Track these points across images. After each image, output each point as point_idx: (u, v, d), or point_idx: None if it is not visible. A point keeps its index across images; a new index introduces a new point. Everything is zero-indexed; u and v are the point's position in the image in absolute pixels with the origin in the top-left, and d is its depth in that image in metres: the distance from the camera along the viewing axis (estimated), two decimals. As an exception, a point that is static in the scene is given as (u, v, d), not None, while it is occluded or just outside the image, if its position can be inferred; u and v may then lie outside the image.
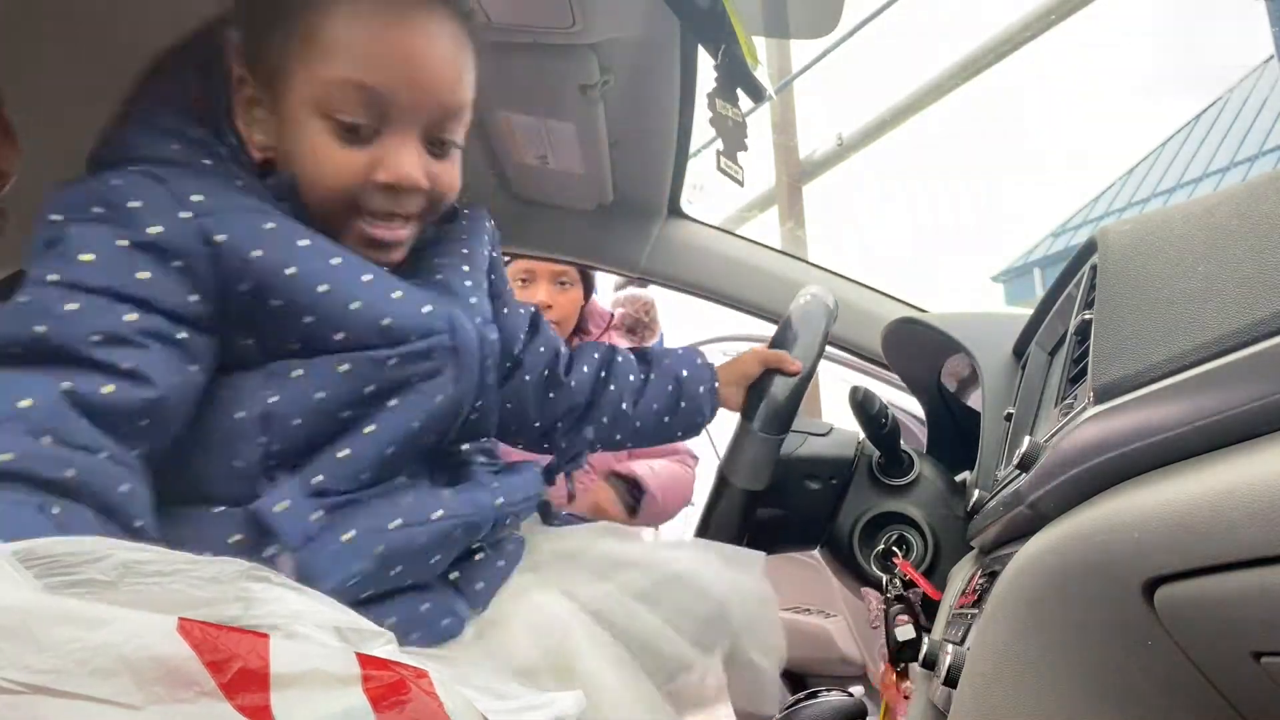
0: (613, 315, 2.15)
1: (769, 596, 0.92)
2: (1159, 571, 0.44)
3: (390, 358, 0.76)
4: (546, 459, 1.03)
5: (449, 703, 0.42)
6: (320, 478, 0.72)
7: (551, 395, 1.03)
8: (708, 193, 1.77)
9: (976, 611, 0.71)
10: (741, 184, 1.10)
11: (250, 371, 0.73)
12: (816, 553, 1.18)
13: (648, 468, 1.97)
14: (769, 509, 1.11)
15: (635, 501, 1.94)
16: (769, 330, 1.21)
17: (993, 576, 0.70)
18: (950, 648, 0.68)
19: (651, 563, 0.87)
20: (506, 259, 1.73)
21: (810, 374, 1.05)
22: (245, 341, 0.74)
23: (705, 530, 1.05)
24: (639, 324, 2.57)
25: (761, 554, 0.94)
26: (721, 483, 1.05)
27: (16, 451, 0.56)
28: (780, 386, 1.03)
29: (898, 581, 1.02)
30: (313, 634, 0.46)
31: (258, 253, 0.72)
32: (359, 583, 0.70)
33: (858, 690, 1.44)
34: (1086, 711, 0.52)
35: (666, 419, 1.08)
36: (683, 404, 1.08)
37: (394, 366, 0.77)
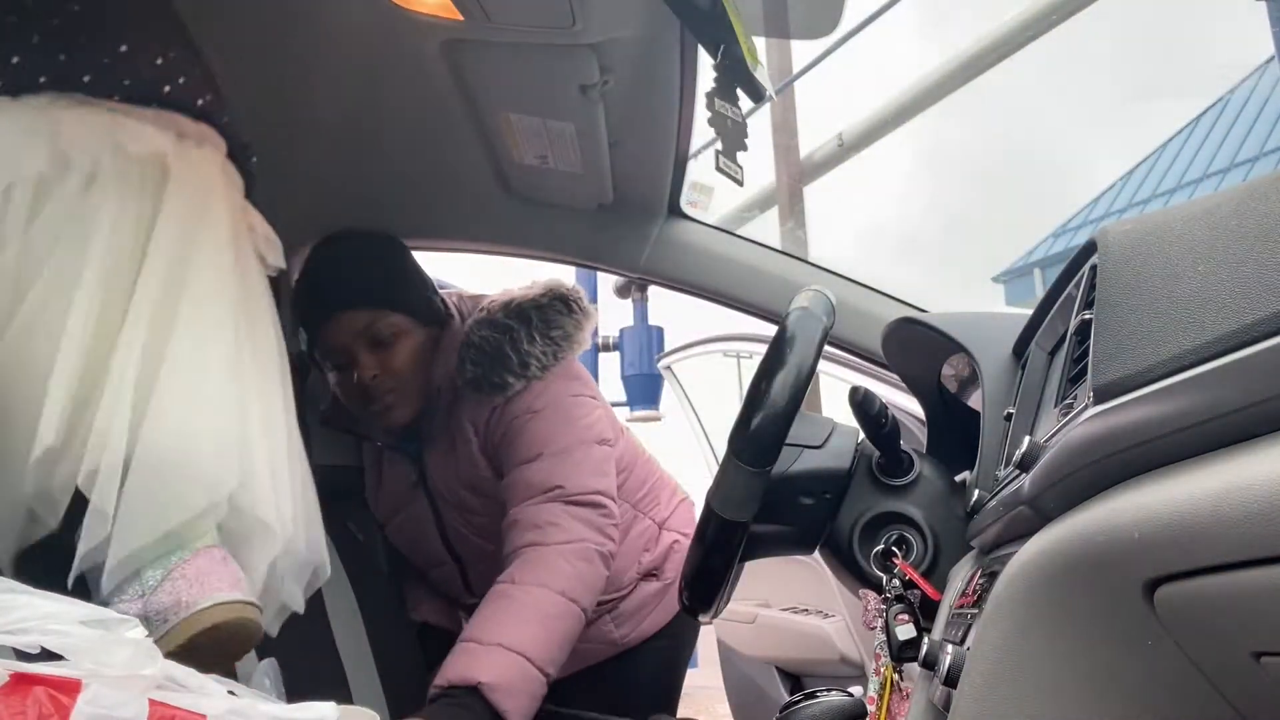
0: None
1: None
2: (1159, 571, 0.44)
3: None
4: None
5: None
6: None
7: None
8: (708, 193, 1.77)
9: (976, 611, 0.71)
10: (741, 183, 1.10)
11: None
12: (815, 552, 1.18)
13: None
14: (763, 524, 1.11)
15: None
16: (769, 330, 1.20)
17: (993, 576, 0.70)
18: (950, 648, 0.68)
19: None
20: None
21: (803, 389, 1.03)
22: None
23: (694, 558, 1.05)
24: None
25: None
26: (708, 513, 1.04)
27: None
28: (762, 418, 1.00)
29: (897, 582, 1.01)
30: (70, 631, 0.52)
31: None
32: None
33: (857, 690, 1.43)
34: (1086, 711, 0.52)
35: None
36: None
37: None
